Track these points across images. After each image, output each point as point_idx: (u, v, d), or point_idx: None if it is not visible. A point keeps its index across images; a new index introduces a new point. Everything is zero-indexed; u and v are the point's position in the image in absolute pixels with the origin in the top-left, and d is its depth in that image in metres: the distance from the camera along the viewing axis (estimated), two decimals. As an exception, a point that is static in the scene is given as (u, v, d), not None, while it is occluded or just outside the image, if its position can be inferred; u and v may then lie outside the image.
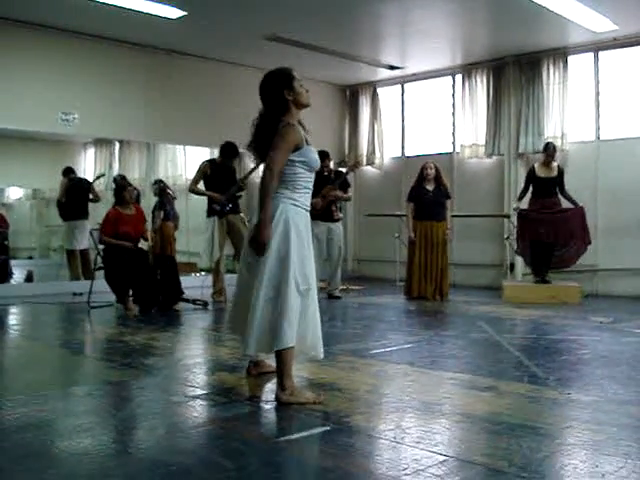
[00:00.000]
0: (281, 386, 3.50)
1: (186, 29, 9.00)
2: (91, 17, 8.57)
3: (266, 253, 3.47)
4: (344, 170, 9.27)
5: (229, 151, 8.22)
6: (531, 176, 8.63)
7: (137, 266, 7.36)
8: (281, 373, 3.50)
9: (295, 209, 3.56)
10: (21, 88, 8.73)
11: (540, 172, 8.57)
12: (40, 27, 8.84)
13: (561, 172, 8.60)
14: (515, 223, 8.94)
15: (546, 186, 8.52)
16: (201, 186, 8.36)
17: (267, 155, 3.53)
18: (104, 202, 10.52)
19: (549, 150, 8.60)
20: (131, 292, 7.42)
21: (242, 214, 8.44)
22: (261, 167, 3.81)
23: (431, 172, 8.80)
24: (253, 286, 3.52)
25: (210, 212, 8.23)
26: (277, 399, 3.51)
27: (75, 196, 10.29)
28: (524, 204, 8.77)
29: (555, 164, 8.62)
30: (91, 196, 10.41)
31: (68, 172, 10.57)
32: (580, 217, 8.43)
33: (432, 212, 8.76)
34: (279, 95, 3.65)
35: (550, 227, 8.38)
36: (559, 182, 8.55)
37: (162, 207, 11.19)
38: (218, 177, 8.19)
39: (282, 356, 3.48)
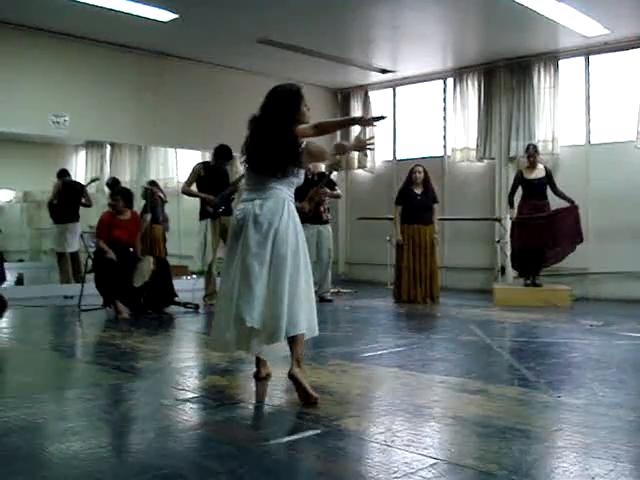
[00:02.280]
0: (298, 364, 3.60)
1: (177, 32, 8.99)
2: (82, 19, 8.56)
3: (284, 244, 3.67)
4: (326, 172, 9.22)
5: (223, 154, 8.23)
6: (519, 179, 8.68)
7: (128, 270, 7.33)
8: (298, 354, 3.63)
9: (293, 205, 3.83)
10: (12, 90, 8.71)
11: (527, 175, 8.62)
12: (30, 29, 8.83)
13: (549, 173, 8.65)
14: (508, 230, 8.97)
15: (535, 188, 8.56)
16: (194, 188, 8.36)
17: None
18: (96, 206, 10.52)
19: (529, 151, 8.69)
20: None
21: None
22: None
23: (419, 175, 8.81)
24: (267, 277, 3.66)
25: (203, 214, 8.24)
26: (291, 375, 3.57)
27: (67, 198, 10.24)
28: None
29: (541, 165, 8.68)
30: (83, 200, 10.38)
31: (63, 174, 10.53)
32: (574, 216, 8.46)
33: (420, 215, 8.78)
34: (288, 114, 3.79)
35: (537, 234, 8.41)
36: (548, 183, 8.59)
37: (150, 210, 11.18)
38: (211, 179, 8.19)
39: (299, 339, 3.64)
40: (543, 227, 8.43)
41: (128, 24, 8.65)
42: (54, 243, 10.41)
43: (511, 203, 8.81)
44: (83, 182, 11.17)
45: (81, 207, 10.39)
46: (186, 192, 8.36)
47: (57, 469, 2.64)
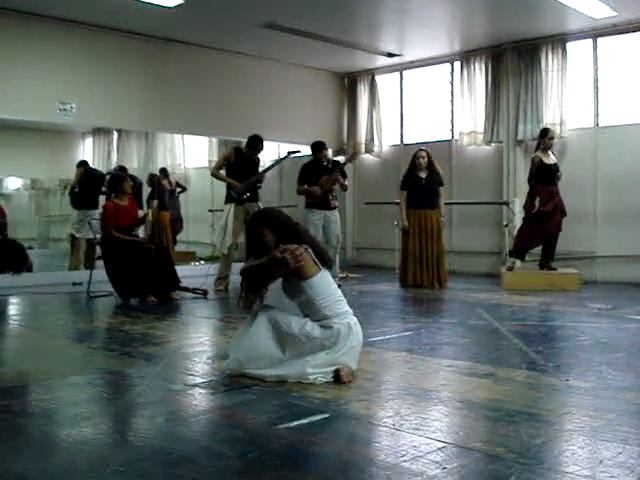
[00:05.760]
0: None
1: (183, 17, 8.96)
2: (88, 6, 8.54)
3: None
4: (341, 161, 9.30)
5: (256, 144, 8.43)
6: (539, 166, 8.47)
7: (140, 256, 7.36)
8: None
9: None
10: (19, 78, 8.71)
11: (546, 160, 8.51)
12: (37, 16, 8.81)
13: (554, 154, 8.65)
14: (516, 214, 8.94)
15: (552, 173, 8.48)
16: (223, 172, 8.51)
17: None
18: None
19: (550, 134, 8.58)
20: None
21: (260, 203, 8.57)
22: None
23: (423, 161, 8.78)
24: None
25: (228, 199, 8.36)
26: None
27: (88, 186, 10.40)
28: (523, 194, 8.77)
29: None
30: (103, 189, 10.50)
31: (83, 163, 10.79)
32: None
33: (425, 200, 8.75)
34: None
35: (557, 220, 8.42)
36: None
37: (157, 197, 11.27)
38: (240, 166, 8.33)
39: None
40: (556, 213, 8.45)
41: (134, 10, 8.63)
42: (73, 228, 10.49)
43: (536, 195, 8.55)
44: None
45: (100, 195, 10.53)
46: (215, 175, 8.56)
47: (68, 454, 2.67)
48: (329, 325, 3.76)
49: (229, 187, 8.37)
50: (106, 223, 7.60)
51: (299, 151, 9.06)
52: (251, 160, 8.48)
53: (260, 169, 8.68)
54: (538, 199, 8.39)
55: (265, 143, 8.63)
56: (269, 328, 3.77)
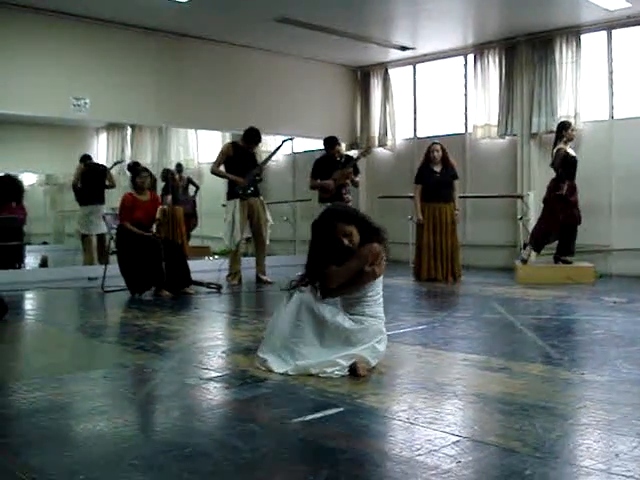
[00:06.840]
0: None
1: (196, 12, 8.98)
2: (101, 1, 8.57)
3: None
4: (355, 156, 9.32)
5: (253, 137, 8.38)
6: (568, 159, 8.34)
7: (153, 252, 7.37)
8: None
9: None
10: (32, 74, 8.76)
11: (572, 152, 8.43)
12: (51, 13, 8.85)
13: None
14: (530, 207, 8.88)
15: (576, 166, 8.40)
16: (222, 168, 8.47)
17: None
18: (119, 188, 10.59)
19: (573, 125, 8.51)
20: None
21: (262, 197, 8.58)
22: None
23: (437, 154, 8.75)
24: None
25: (231, 195, 8.35)
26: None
27: (91, 181, 10.36)
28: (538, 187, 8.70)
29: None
30: (107, 182, 10.48)
31: (85, 159, 10.69)
32: None
33: (440, 194, 8.73)
34: None
35: (578, 210, 8.39)
36: None
37: (170, 191, 11.30)
38: (240, 160, 8.32)
39: None
40: (578, 206, 8.43)
41: (147, 5, 8.66)
42: (80, 225, 10.51)
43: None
44: (105, 164, 11.26)
45: (105, 189, 10.50)
46: (215, 172, 8.53)
47: (83, 448, 2.68)
48: (361, 321, 3.79)
49: (231, 183, 8.35)
50: (120, 214, 7.64)
51: (292, 138, 9.09)
52: (250, 153, 8.47)
53: (259, 160, 8.69)
54: (567, 183, 8.29)
55: (270, 137, 8.64)
56: (300, 309, 3.78)
